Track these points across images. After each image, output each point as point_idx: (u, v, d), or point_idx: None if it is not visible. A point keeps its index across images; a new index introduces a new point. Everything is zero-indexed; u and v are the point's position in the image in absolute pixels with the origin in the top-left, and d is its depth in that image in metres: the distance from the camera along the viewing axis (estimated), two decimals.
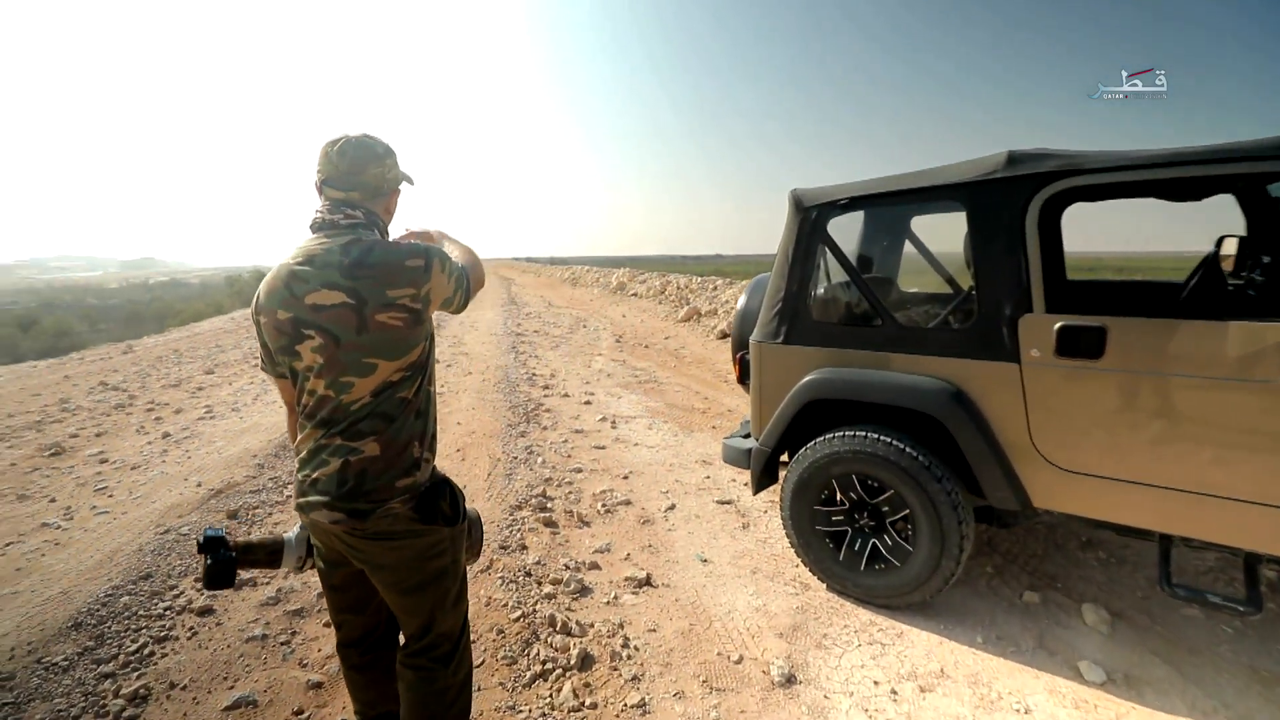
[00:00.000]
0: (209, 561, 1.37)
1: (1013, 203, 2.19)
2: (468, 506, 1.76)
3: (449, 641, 1.53)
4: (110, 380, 7.72)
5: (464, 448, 4.81)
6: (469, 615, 1.64)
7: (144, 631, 2.57)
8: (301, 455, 1.40)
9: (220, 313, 19.98)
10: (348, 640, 1.63)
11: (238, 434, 5.31)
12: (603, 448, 4.80)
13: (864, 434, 2.51)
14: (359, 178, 1.41)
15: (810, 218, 2.73)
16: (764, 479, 2.95)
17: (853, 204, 2.66)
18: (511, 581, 2.81)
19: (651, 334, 11.09)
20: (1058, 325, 2.10)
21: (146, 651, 2.44)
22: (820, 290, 2.91)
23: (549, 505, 3.67)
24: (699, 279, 16.13)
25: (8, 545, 3.37)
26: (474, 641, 2.40)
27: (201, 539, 1.38)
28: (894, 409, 2.51)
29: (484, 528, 1.74)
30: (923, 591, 2.46)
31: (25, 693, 2.23)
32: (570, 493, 3.88)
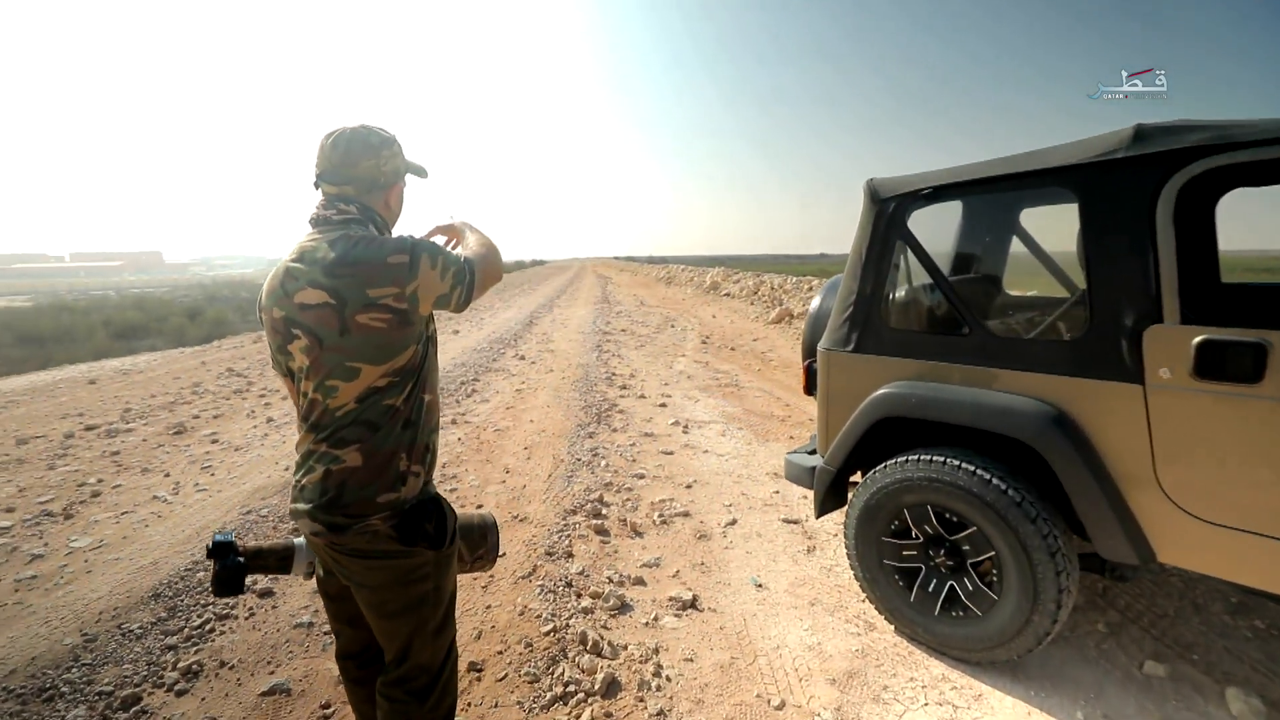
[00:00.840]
0: (217, 567, 1.34)
1: (1138, 189, 1.78)
2: (483, 512, 1.66)
3: (427, 674, 1.40)
4: (236, 367, 8.54)
5: (532, 446, 4.81)
6: (456, 645, 1.49)
7: (209, 608, 2.71)
8: (297, 459, 1.35)
9: None
10: (345, 652, 1.57)
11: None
12: (670, 453, 4.62)
13: (942, 460, 2.17)
14: (352, 171, 1.32)
15: (887, 211, 2.41)
16: (829, 501, 2.66)
17: (937, 194, 2.31)
18: (550, 591, 2.71)
19: (739, 335, 10.75)
20: (1197, 340, 1.68)
21: (208, 628, 2.57)
22: (898, 293, 2.57)
23: (604, 512, 3.55)
24: (794, 279, 15.52)
25: (123, 514, 3.73)
26: (500, 652, 2.32)
27: (210, 544, 1.35)
28: (980, 432, 2.15)
29: (500, 534, 1.61)
30: (1009, 649, 2.08)
31: (102, 655, 2.40)
32: (628, 500, 3.74)
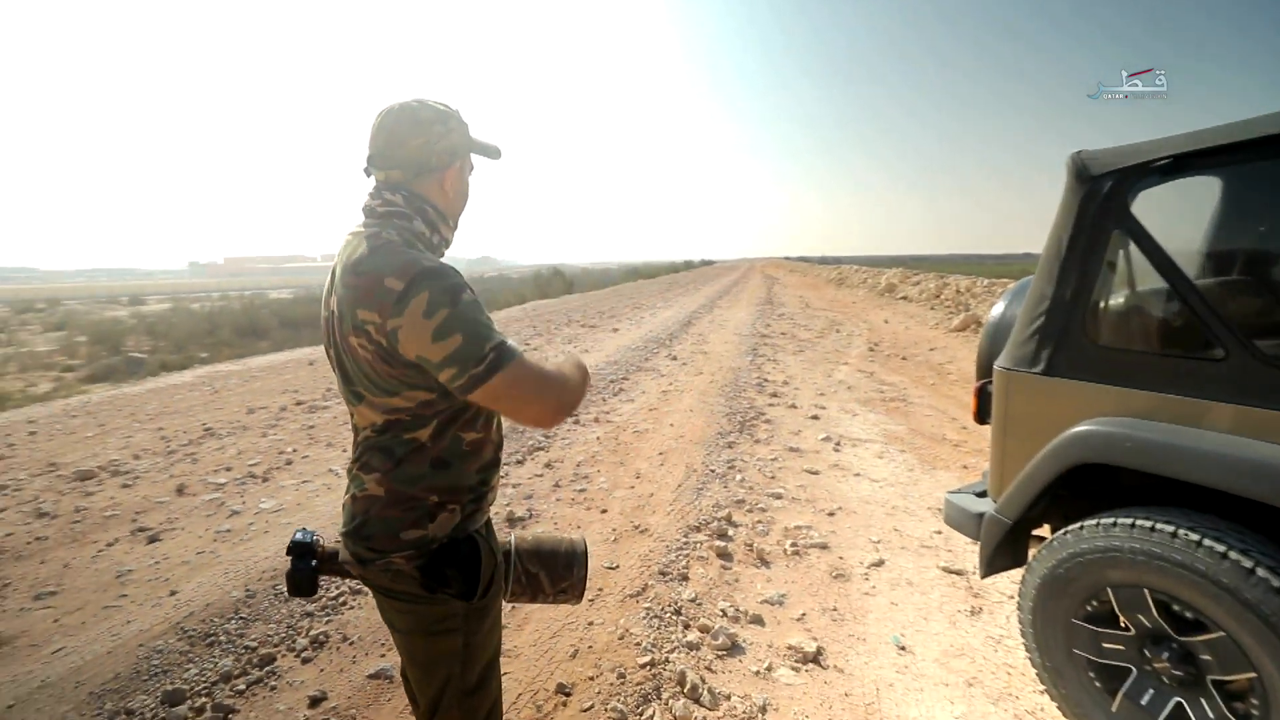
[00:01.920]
0: (291, 568, 1.23)
1: None
2: (574, 536, 1.45)
3: None
4: None
5: (667, 452, 4.64)
6: (500, 708, 1.27)
7: (349, 580, 2.90)
8: None
9: (521, 302, 23.53)
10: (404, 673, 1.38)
11: None
12: (815, 473, 4.17)
13: (1172, 530, 1.58)
14: (400, 152, 1.10)
15: (1101, 191, 1.83)
16: (1000, 558, 2.11)
17: (1179, 166, 1.70)
18: (656, 617, 2.49)
19: (914, 343, 9.67)
20: None
21: (341, 600, 2.75)
22: (1114, 300, 1.96)
23: (730, 533, 3.25)
24: (984, 281, 13.69)
25: (304, 483, 4.22)
26: (592, 678, 2.15)
27: (292, 541, 1.24)
28: (1233, 498, 1.53)
29: (589, 560, 1.37)
30: None
31: (255, 612, 2.67)
32: (759, 522, 3.40)
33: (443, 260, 1.07)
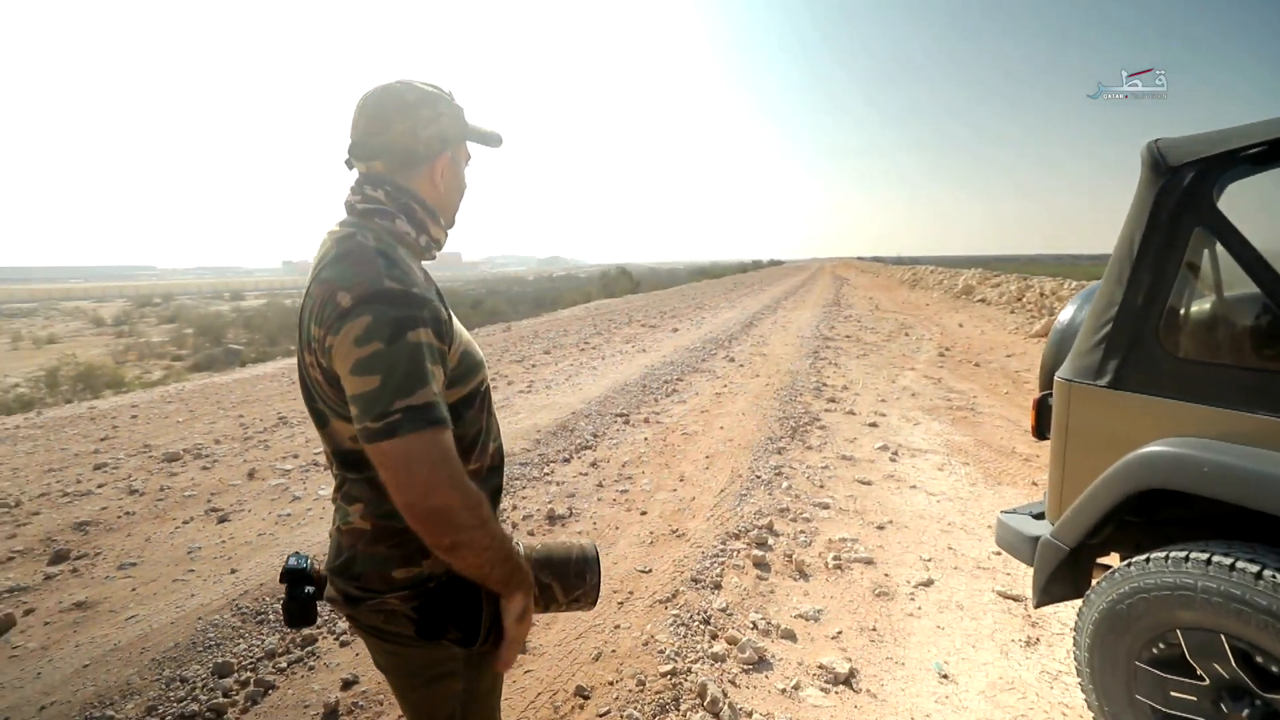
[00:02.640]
0: (286, 597, 1.08)
1: None
2: (584, 541, 1.42)
3: None
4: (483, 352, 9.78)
5: (714, 455, 4.55)
6: None
7: None
8: None
9: (587, 301, 23.83)
10: None
11: (538, 409, 6.07)
12: (868, 483, 3.98)
13: (1257, 569, 1.39)
14: (381, 140, 0.98)
15: (1181, 184, 1.64)
16: (1056, 586, 1.93)
17: (1274, 154, 1.49)
18: (684, 625, 2.43)
19: (989, 349, 9.11)
20: None
21: None
22: (1194, 306, 1.75)
23: (770, 542, 3.15)
24: (1073, 284, 12.72)
25: None
26: (612, 683, 2.12)
27: (284, 568, 1.08)
28: None
29: (600, 569, 1.29)
30: None
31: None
32: (802, 532, 3.27)
33: (414, 277, 0.90)
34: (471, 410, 1.00)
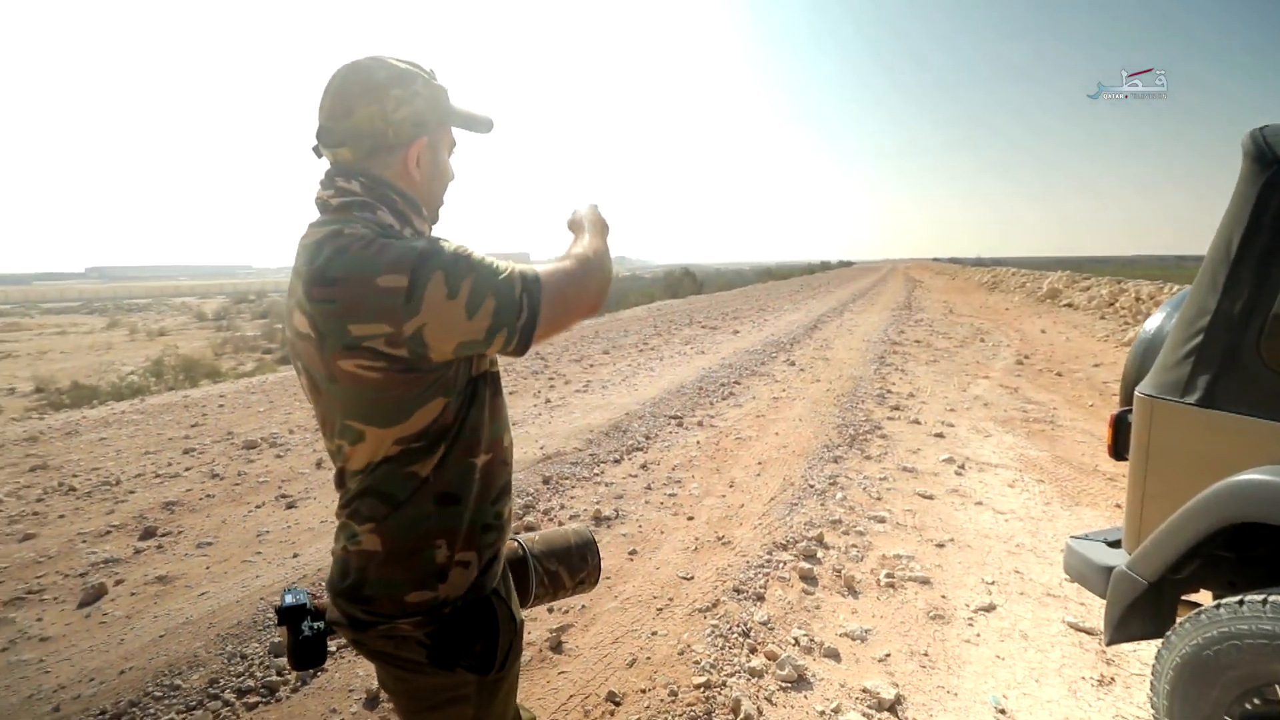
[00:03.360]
0: (292, 638, 1.01)
1: None
2: (577, 527, 1.36)
3: None
4: (543, 351, 9.94)
5: (767, 462, 4.44)
6: None
7: None
8: None
9: (650, 301, 23.89)
10: None
11: (592, 409, 6.11)
12: (929, 498, 3.78)
13: None
14: (347, 123, 0.89)
15: None
16: (1132, 623, 1.76)
17: None
18: (722, 636, 2.37)
19: (1074, 357, 8.49)
20: None
21: None
22: None
23: (819, 554, 3.03)
24: (1174, 287, 11.66)
25: None
26: (644, 691, 2.09)
27: (279, 607, 1.02)
28: None
29: (598, 551, 1.30)
30: None
31: None
32: (854, 546, 3.13)
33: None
34: (485, 389, 0.96)
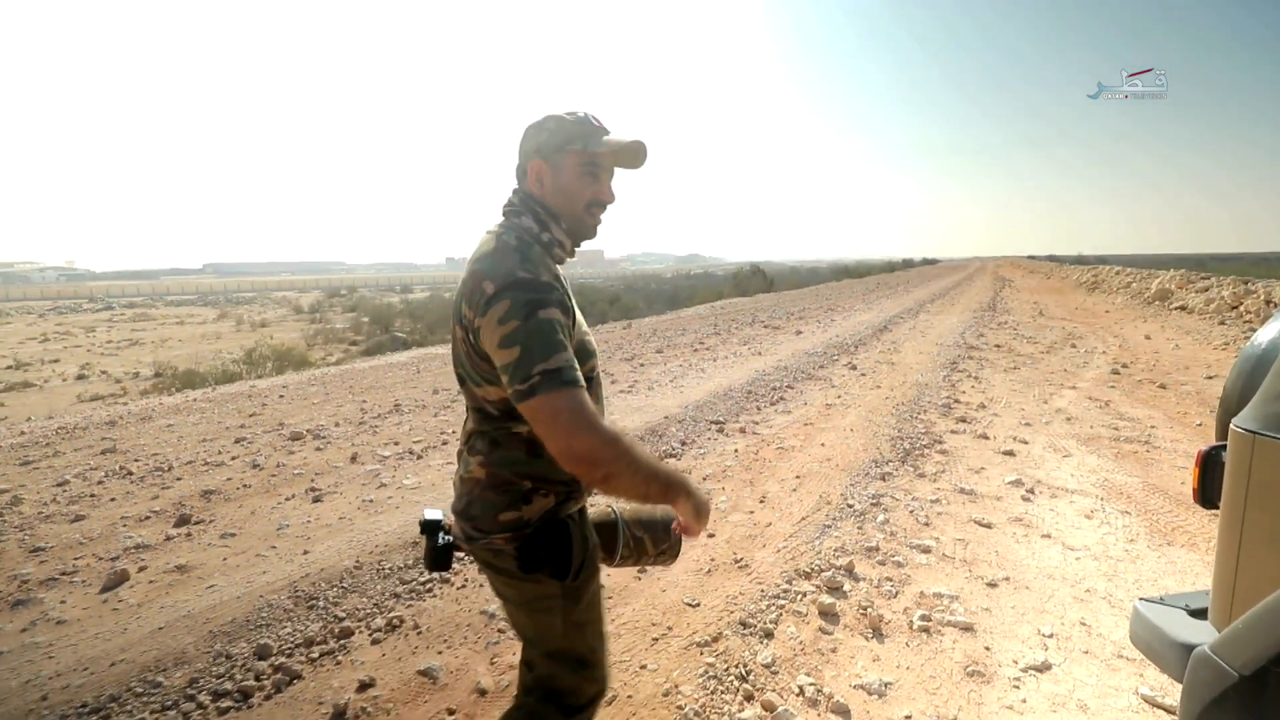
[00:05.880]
0: (427, 545, 1.31)
1: None
2: (663, 506, 1.38)
3: (570, 696, 1.23)
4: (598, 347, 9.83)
5: (805, 476, 4.09)
6: (604, 676, 1.29)
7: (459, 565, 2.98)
8: None
9: (718, 299, 23.47)
10: None
11: (632, 410, 5.91)
12: (986, 526, 3.34)
13: None
14: (519, 159, 1.24)
15: None
16: (1216, 718, 1.38)
17: None
18: (715, 678, 2.11)
19: (1181, 367, 7.53)
20: None
21: (426, 587, 2.81)
22: None
23: (846, 587, 2.70)
24: None
25: (447, 464, 4.52)
26: None
27: (422, 520, 1.33)
28: None
29: (677, 541, 1.48)
30: None
31: (355, 583, 2.85)
32: (889, 579, 2.77)
33: (544, 270, 1.10)
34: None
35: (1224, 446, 1.51)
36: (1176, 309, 13.33)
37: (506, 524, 1.15)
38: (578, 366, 1.04)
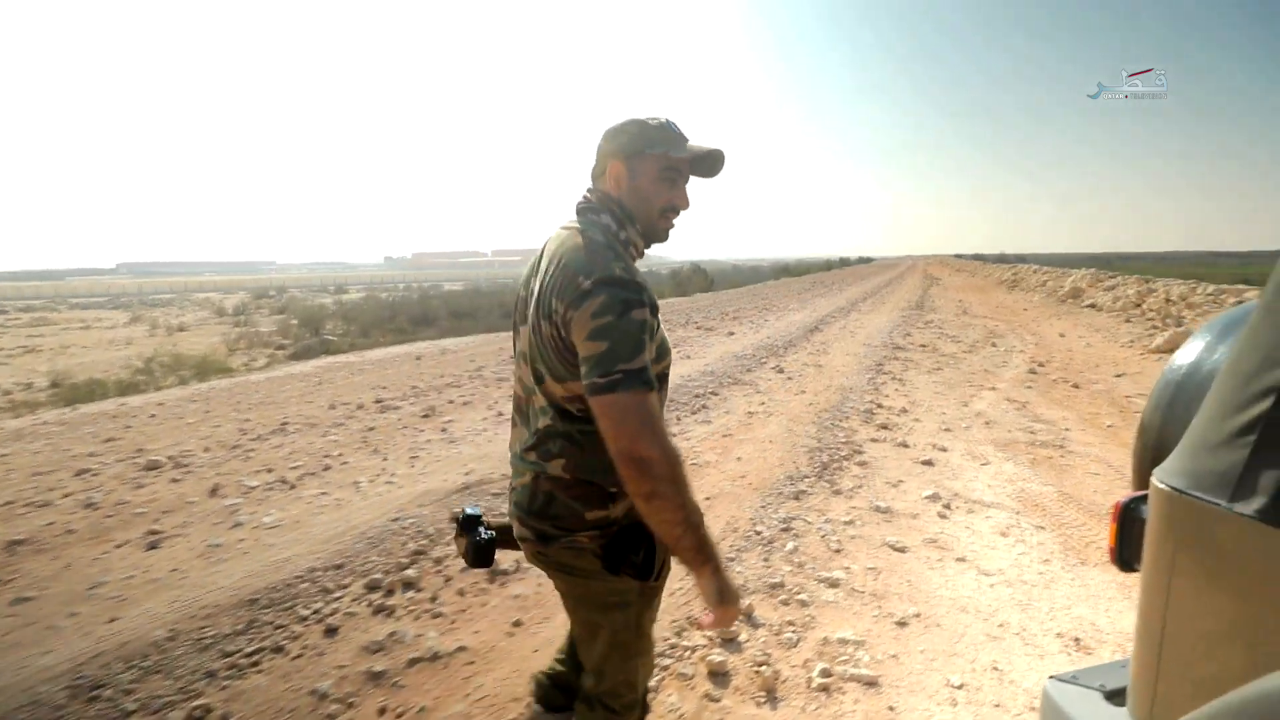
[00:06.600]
0: (470, 541, 1.33)
1: None
2: None
3: (629, 691, 1.33)
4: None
5: (715, 498, 3.79)
6: (651, 664, 1.40)
7: (283, 629, 2.50)
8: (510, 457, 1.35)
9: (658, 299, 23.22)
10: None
11: None
12: (901, 550, 3.11)
13: None
14: (597, 159, 1.28)
15: None
16: None
17: None
18: None
19: (1093, 366, 7.71)
20: None
21: (251, 660, 2.33)
22: None
23: (741, 638, 2.38)
24: (1211, 288, 10.75)
25: (321, 494, 4.00)
26: None
27: (460, 516, 1.35)
28: None
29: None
30: None
31: (168, 659, 2.34)
32: (790, 623, 2.48)
33: (635, 270, 1.15)
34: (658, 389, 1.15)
35: (1144, 499, 1.25)
36: (1087, 307, 13.93)
37: (594, 522, 1.18)
38: (653, 373, 1.09)
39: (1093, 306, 13.77)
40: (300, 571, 2.97)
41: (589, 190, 1.27)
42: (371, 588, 2.84)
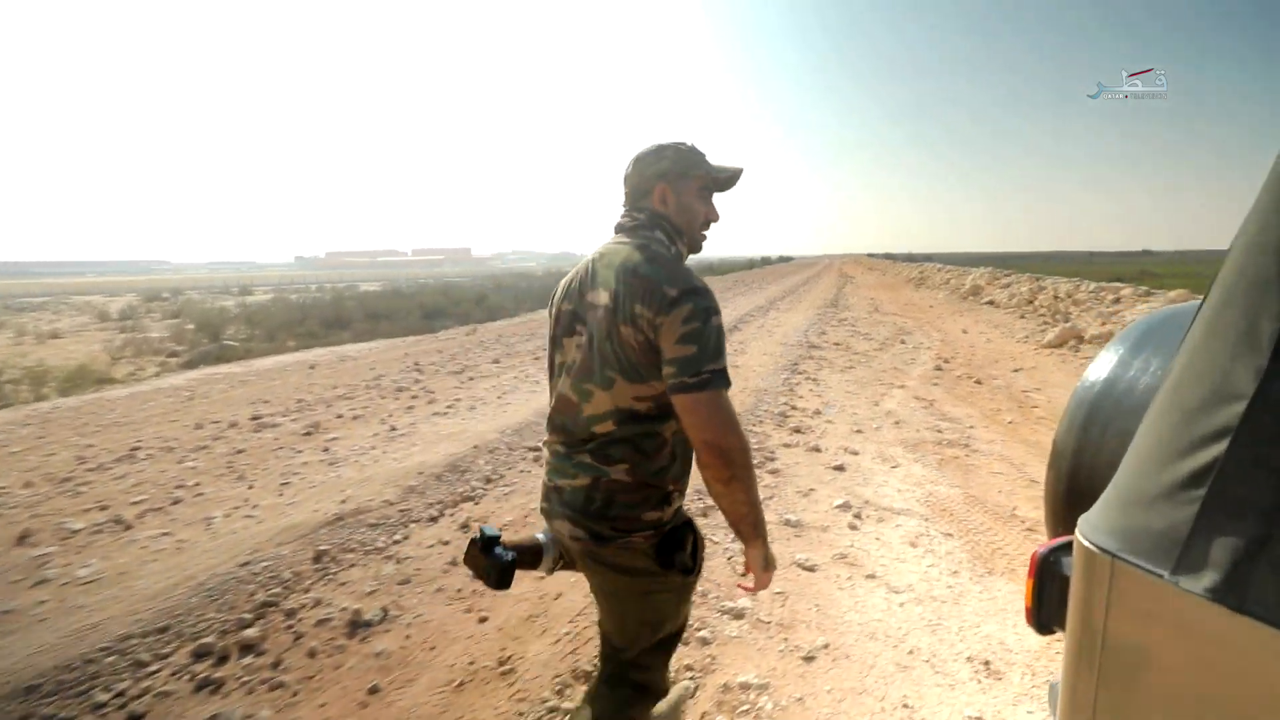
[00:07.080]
0: (490, 562, 1.28)
1: None
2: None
3: (660, 668, 1.46)
4: (422, 361, 8.76)
5: None
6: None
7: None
8: (547, 458, 1.39)
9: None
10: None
11: (440, 439, 5.05)
12: (811, 569, 2.93)
13: None
14: (631, 182, 1.37)
15: None
16: None
17: None
18: None
19: (993, 361, 8.01)
20: None
21: None
22: None
23: None
24: (1092, 285, 11.55)
25: (162, 535, 3.41)
26: None
27: (479, 537, 1.30)
28: None
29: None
30: None
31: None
32: (688, 669, 2.22)
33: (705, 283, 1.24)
34: None
35: (1064, 550, 1.05)
36: (986, 303, 14.72)
37: (650, 523, 1.27)
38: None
39: (991, 303, 14.56)
40: (109, 640, 2.44)
41: (635, 210, 1.35)
42: (200, 655, 2.36)
